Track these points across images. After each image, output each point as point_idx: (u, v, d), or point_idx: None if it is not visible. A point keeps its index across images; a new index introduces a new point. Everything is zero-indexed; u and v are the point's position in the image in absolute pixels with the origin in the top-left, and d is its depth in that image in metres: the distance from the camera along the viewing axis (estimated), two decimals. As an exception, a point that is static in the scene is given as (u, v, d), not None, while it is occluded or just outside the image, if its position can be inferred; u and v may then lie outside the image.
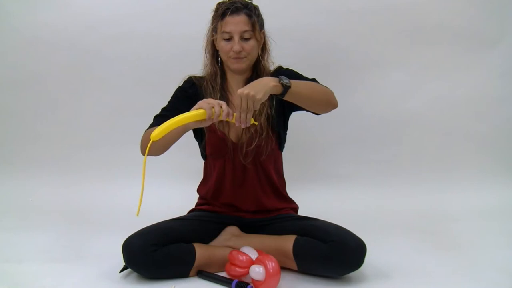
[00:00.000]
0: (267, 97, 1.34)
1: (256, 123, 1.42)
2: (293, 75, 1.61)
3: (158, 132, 1.28)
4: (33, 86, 2.43)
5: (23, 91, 2.44)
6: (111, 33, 2.34)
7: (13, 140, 2.48)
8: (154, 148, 1.41)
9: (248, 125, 1.33)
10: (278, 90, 1.37)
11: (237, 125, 1.33)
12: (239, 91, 1.31)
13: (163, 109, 1.61)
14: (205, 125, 1.34)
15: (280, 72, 1.62)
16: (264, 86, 1.33)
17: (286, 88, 1.37)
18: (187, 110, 1.34)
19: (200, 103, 1.32)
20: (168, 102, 1.63)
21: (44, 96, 2.44)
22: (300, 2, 2.29)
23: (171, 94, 1.65)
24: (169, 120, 1.30)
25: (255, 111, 1.33)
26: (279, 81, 1.37)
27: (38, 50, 2.39)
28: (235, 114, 1.33)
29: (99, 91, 2.41)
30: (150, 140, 1.29)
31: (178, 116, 1.30)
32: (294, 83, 1.40)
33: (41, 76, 2.42)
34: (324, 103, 1.51)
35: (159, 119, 1.52)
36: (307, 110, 1.56)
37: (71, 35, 2.36)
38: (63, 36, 2.37)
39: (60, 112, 2.45)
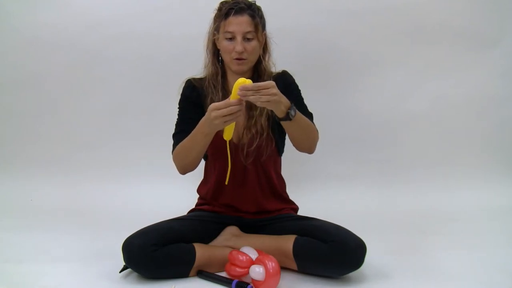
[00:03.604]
0: (270, 108, 1.37)
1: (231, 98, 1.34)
2: (295, 96, 1.63)
3: (228, 132, 1.41)
4: (33, 86, 2.43)
5: (23, 91, 2.44)
6: (111, 33, 2.34)
7: (13, 140, 2.48)
8: (189, 161, 1.52)
9: (241, 91, 1.28)
10: (282, 114, 1.40)
11: (239, 90, 1.28)
12: (273, 83, 1.32)
13: (177, 125, 1.63)
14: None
15: (284, 81, 1.61)
16: (279, 104, 1.36)
17: (286, 118, 1.40)
18: (198, 116, 1.44)
19: (213, 122, 1.33)
20: (178, 115, 1.64)
21: (44, 96, 2.44)
22: (300, 2, 2.29)
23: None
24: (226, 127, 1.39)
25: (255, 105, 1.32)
26: (289, 108, 1.39)
27: (38, 50, 2.39)
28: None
29: (99, 91, 2.41)
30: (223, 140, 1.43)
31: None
32: (296, 118, 1.42)
33: (41, 76, 2.42)
34: (305, 147, 1.58)
35: (179, 136, 1.56)
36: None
37: (71, 35, 2.37)
38: (63, 36, 2.37)
39: (60, 112, 2.45)
